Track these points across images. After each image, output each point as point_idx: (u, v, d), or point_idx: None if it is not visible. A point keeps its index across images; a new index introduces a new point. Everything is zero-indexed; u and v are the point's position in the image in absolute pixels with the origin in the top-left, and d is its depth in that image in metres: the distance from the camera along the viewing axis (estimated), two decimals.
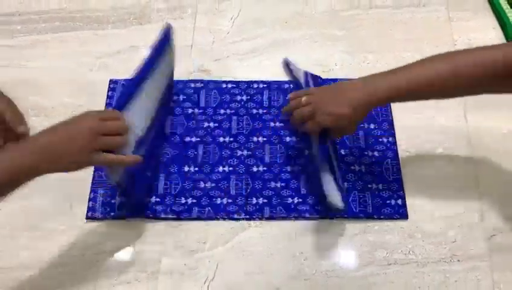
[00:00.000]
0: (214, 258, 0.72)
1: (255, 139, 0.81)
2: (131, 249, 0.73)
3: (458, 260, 0.71)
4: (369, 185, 0.77)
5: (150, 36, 0.91)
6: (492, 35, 0.91)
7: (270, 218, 0.75)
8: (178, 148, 0.80)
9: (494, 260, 0.71)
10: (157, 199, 0.76)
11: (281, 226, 0.75)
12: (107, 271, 0.71)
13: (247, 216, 0.75)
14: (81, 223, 0.74)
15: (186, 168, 0.79)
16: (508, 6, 0.92)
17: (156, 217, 0.74)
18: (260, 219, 0.75)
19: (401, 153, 0.80)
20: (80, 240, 0.73)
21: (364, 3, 0.96)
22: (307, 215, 0.75)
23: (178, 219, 0.75)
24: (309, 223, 0.75)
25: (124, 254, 0.72)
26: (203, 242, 0.73)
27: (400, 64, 0.86)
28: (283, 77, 0.86)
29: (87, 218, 0.75)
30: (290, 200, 0.76)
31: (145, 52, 0.90)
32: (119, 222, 0.75)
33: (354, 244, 0.73)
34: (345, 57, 0.90)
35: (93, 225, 0.75)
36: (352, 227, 0.74)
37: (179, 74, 0.87)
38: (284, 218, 0.75)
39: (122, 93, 0.80)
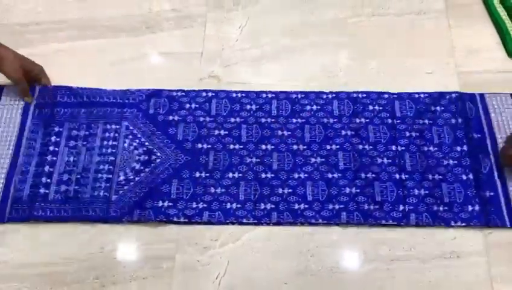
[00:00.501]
0: (225, 255, 0.76)
1: (263, 147, 0.85)
2: (147, 247, 0.77)
3: (458, 256, 0.75)
4: None
5: (162, 44, 0.96)
6: (490, 40, 0.95)
7: (277, 223, 0.78)
8: (190, 155, 0.84)
9: (492, 256, 0.75)
10: (170, 203, 0.79)
11: (288, 226, 0.78)
12: (124, 267, 0.75)
13: (255, 221, 0.78)
14: (99, 223, 0.79)
15: (197, 174, 0.82)
16: (505, 13, 0.96)
17: (169, 221, 0.78)
18: (268, 224, 0.78)
19: None
20: (98, 238, 0.77)
21: (367, 11, 1.00)
22: (313, 221, 0.78)
23: (189, 222, 0.78)
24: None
25: (140, 251, 0.76)
26: (215, 240, 0.77)
27: (401, 69, 0.91)
28: (289, 87, 0.90)
29: None
30: (296, 206, 0.79)
31: (157, 59, 0.95)
32: (135, 224, 0.79)
33: (358, 242, 0.77)
34: (349, 62, 0.93)
35: (111, 225, 0.79)
36: (356, 225, 0.78)
37: (190, 81, 0.92)
38: (290, 223, 0.78)
39: None
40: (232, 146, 0.85)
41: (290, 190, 0.81)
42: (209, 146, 0.85)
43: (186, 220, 0.78)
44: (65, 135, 0.86)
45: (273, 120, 0.87)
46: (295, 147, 0.85)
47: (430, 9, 0.99)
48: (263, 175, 0.82)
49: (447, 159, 0.82)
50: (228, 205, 0.80)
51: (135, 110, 0.88)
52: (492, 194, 0.79)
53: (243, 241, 0.77)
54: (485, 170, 0.81)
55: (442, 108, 0.86)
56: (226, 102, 0.89)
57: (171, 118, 0.87)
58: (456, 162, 0.81)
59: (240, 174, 0.82)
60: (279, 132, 0.86)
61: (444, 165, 0.81)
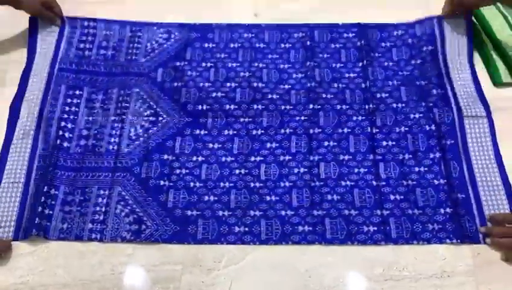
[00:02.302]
0: (229, 276, 0.80)
1: (252, 158, 0.92)
2: (155, 268, 0.81)
3: (448, 276, 0.79)
4: None
5: None
6: (480, 74, 1.01)
7: (266, 239, 0.84)
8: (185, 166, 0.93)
9: (479, 275, 0.79)
10: (166, 212, 0.87)
11: (287, 248, 0.83)
12: (134, 287, 0.80)
13: (246, 228, 0.85)
14: (109, 245, 0.84)
15: (191, 184, 0.90)
16: (494, 52, 1.03)
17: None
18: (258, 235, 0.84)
19: None
20: (109, 260, 0.82)
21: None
22: (300, 228, 0.85)
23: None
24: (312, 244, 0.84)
25: (149, 273, 0.81)
26: (219, 261, 0.82)
27: None
28: None
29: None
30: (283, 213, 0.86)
31: None
32: (144, 244, 0.84)
33: (353, 262, 0.81)
34: None
35: (121, 246, 0.84)
36: (351, 246, 0.83)
37: None
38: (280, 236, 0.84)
39: None
40: (224, 158, 0.92)
41: (277, 198, 0.88)
42: (203, 159, 0.93)
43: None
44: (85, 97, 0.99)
45: (263, 131, 0.96)
46: (282, 157, 0.92)
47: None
48: (251, 185, 0.89)
49: (419, 166, 0.90)
50: (220, 213, 0.86)
51: (145, 78, 1.01)
52: (463, 196, 0.86)
53: (244, 263, 0.82)
54: (456, 174, 0.88)
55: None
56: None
57: (175, 84, 1.01)
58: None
59: (231, 184, 0.89)
60: (268, 144, 0.94)
61: (416, 172, 0.89)
